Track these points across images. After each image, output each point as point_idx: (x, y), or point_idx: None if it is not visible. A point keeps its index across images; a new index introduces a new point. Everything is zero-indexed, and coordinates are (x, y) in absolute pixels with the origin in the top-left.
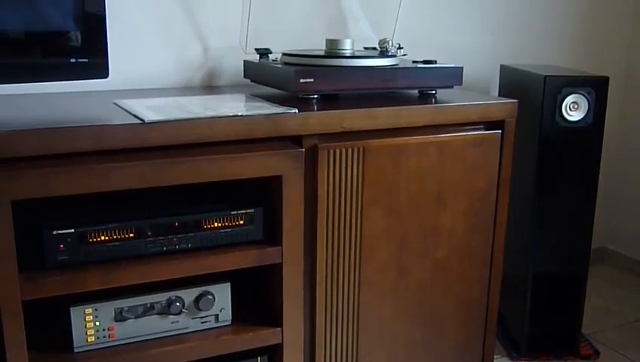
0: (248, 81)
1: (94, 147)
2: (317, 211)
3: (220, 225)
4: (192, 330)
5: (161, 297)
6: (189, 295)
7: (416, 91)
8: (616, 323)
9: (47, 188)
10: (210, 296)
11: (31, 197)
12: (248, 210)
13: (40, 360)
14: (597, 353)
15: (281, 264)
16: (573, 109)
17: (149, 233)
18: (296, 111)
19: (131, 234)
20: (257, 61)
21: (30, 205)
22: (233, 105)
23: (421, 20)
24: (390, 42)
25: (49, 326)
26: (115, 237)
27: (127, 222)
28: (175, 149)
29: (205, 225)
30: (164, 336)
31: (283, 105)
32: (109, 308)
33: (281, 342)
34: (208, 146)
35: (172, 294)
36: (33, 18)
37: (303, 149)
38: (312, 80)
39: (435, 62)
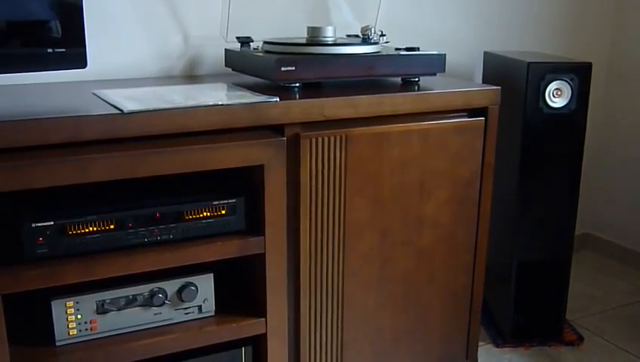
0: (229, 70)
1: (71, 138)
2: (300, 200)
3: (201, 215)
4: (175, 322)
5: (144, 289)
6: (171, 286)
7: (399, 79)
8: (600, 308)
9: (22, 181)
10: (193, 287)
11: (6, 191)
12: (230, 200)
13: (21, 355)
14: (581, 338)
15: (264, 254)
16: (557, 96)
17: (130, 224)
18: (278, 99)
19: (112, 226)
20: (238, 50)
21: (8, 198)
22: (214, 95)
23: (404, 7)
24: (373, 29)
25: (30, 320)
26: (95, 229)
27: (107, 214)
28: (155, 139)
29: (187, 215)
30: (147, 328)
31: (264, 93)
32: (91, 300)
33: (265, 332)
34: (189, 136)
35: (154, 286)
36: (8, 7)
37: (285, 138)
38: (293, 68)
39: (418, 49)
